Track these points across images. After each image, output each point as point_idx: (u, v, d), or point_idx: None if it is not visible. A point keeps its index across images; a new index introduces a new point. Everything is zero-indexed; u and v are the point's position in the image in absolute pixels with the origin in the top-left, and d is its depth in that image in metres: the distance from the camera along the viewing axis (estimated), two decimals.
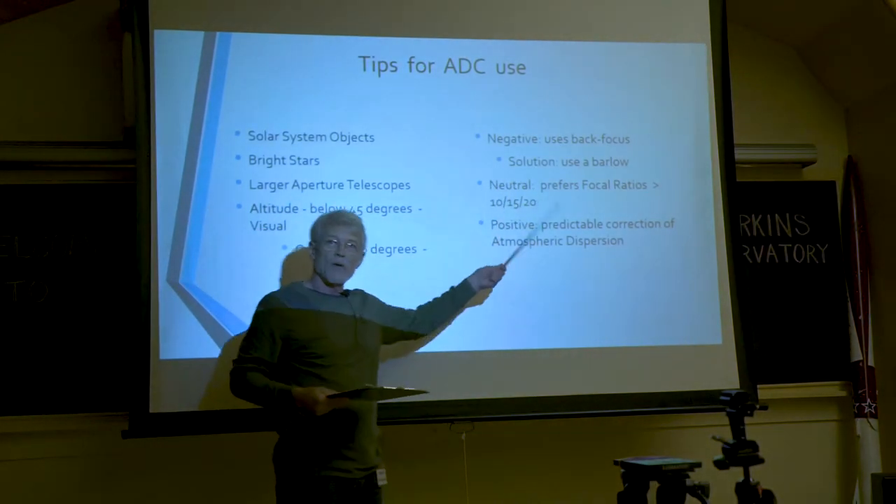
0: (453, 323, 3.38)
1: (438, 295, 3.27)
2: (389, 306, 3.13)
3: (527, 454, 3.91)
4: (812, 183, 4.34)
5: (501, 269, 3.36)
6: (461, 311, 3.35)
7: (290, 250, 3.36)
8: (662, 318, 3.60)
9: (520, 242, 3.46)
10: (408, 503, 3.73)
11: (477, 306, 3.43)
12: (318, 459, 2.72)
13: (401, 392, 2.81)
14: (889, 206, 4.18)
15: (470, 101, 3.60)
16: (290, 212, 3.41)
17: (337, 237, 2.88)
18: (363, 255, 2.99)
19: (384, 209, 3.48)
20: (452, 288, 3.27)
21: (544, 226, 3.56)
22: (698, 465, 2.67)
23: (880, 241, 4.24)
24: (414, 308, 3.22)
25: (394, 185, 3.50)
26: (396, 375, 3.32)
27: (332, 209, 3.42)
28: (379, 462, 2.88)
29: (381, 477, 2.87)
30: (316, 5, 3.56)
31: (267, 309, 2.83)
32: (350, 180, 3.48)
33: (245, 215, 3.39)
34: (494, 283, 3.36)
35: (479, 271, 3.31)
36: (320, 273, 2.90)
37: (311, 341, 2.77)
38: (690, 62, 3.79)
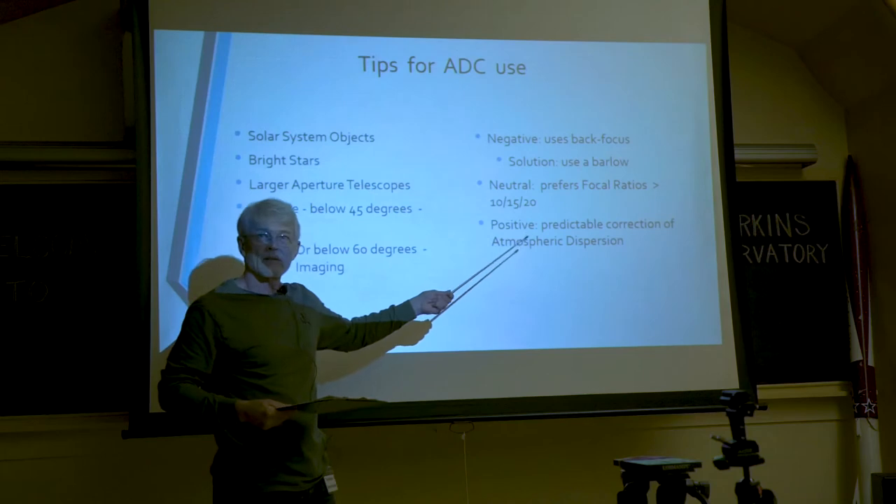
0: (454, 323, 3.38)
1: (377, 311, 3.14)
2: (328, 308, 2.98)
3: (527, 454, 3.91)
4: (812, 183, 4.34)
5: (448, 297, 3.22)
6: (398, 333, 3.19)
7: None
8: (662, 318, 3.60)
9: (476, 279, 3.32)
10: (408, 503, 3.74)
11: (481, 306, 3.41)
12: (262, 474, 2.56)
13: (359, 403, 2.67)
14: (889, 206, 4.18)
15: (470, 101, 3.60)
16: None
17: (268, 229, 2.68)
18: (298, 245, 2.83)
19: (384, 209, 3.48)
20: (393, 307, 3.13)
21: (547, 224, 3.56)
22: (698, 465, 2.67)
23: (880, 241, 4.24)
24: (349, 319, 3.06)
25: (394, 185, 3.50)
26: (395, 375, 3.33)
27: (332, 210, 3.45)
28: (326, 469, 2.73)
29: (331, 483, 2.72)
30: (316, 5, 3.56)
31: (200, 314, 2.59)
32: (350, 180, 3.48)
33: None
34: (439, 311, 3.22)
35: (423, 294, 3.17)
36: (253, 269, 2.70)
37: (250, 349, 2.58)
38: (690, 62, 3.79)
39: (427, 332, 3.33)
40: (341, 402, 2.67)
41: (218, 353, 2.60)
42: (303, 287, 2.91)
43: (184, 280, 3.32)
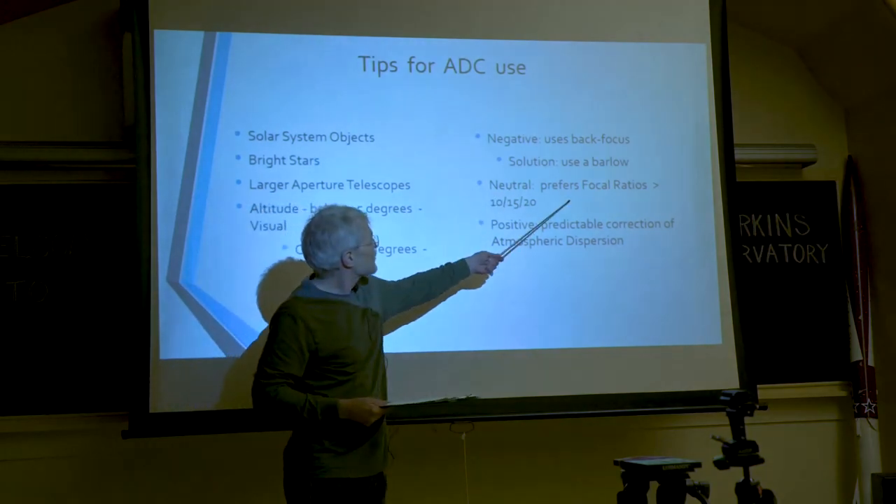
0: (454, 323, 3.39)
1: (436, 267, 3.27)
2: (384, 281, 3.09)
3: (527, 454, 3.91)
4: (812, 183, 4.34)
5: (498, 258, 3.37)
6: (454, 290, 3.37)
7: (290, 250, 3.35)
8: (662, 318, 3.60)
9: (522, 236, 3.44)
10: (407, 503, 3.74)
11: (481, 306, 3.44)
12: (337, 460, 2.68)
13: (456, 402, 2.82)
14: (889, 206, 4.18)
15: (470, 101, 3.59)
16: (290, 212, 3.40)
17: (371, 231, 2.87)
18: None
19: (384, 209, 3.48)
20: (450, 264, 3.27)
21: (547, 224, 3.57)
22: (698, 465, 2.67)
23: (880, 241, 4.24)
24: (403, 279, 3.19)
25: (394, 185, 3.50)
26: (395, 375, 3.32)
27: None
28: (387, 464, 2.86)
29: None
30: (316, 5, 3.55)
31: (294, 321, 2.67)
32: (350, 180, 3.48)
33: (245, 215, 3.39)
34: (489, 272, 3.37)
35: (478, 255, 3.33)
36: (367, 273, 2.86)
37: (339, 350, 2.70)
38: (690, 62, 3.79)
39: (481, 284, 3.42)
40: (438, 403, 2.79)
41: (309, 356, 2.69)
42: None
43: (184, 280, 3.32)
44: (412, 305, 3.22)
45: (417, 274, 3.22)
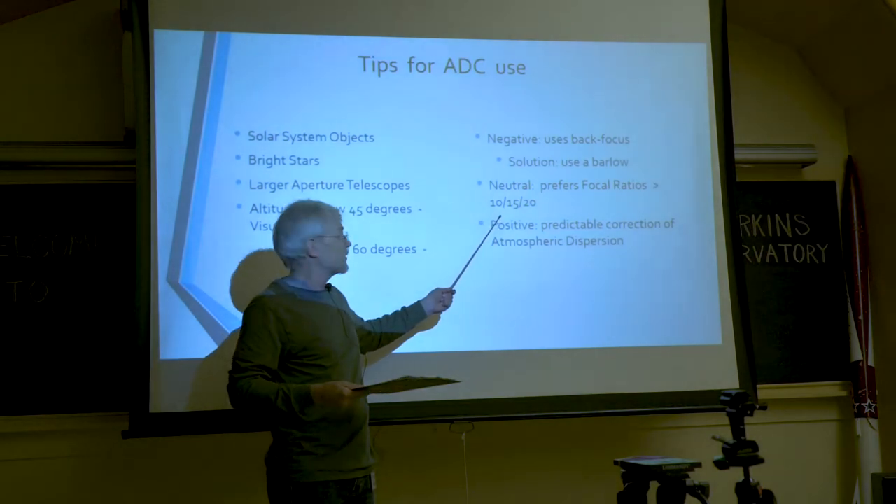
0: (455, 323, 3.38)
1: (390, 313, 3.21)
2: (352, 311, 3.04)
3: (527, 454, 3.91)
4: (812, 183, 4.34)
5: (451, 293, 3.28)
6: (410, 334, 3.30)
7: None
8: (662, 318, 3.60)
9: (467, 261, 3.30)
10: (407, 503, 3.74)
11: (480, 306, 3.43)
12: (318, 463, 2.64)
13: (434, 382, 2.73)
14: (889, 206, 4.18)
15: (470, 101, 3.59)
16: None
17: (342, 227, 2.84)
18: None
19: (384, 209, 3.48)
20: (405, 308, 3.21)
21: (547, 224, 3.57)
22: (698, 465, 2.68)
23: (880, 241, 4.24)
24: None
25: (394, 185, 3.50)
26: (395, 375, 3.31)
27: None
28: (373, 464, 2.82)
29: (373, 480, 2.83)
30: (316, 5, 3.56)
31: (264, 312, 2.66)
32: (350, 180, 3.48)
33: (245, 215, 3.39)
34: (446, 308, 3.28)
35: (432, 294, 3.25)
36: (334, 268, 2.82)
37: (311, 342, 2.67)
38: (690, 62, 3.79)
39: (435, 324, 3.36)
40: (416, 381, 2.70)
41: (281, 348, 2.66)
42: (335, 288, 2.97)
43: (184, 280, 3.32)
44: (366, 349, 3.11)
45: (372, 319, 3.16)
